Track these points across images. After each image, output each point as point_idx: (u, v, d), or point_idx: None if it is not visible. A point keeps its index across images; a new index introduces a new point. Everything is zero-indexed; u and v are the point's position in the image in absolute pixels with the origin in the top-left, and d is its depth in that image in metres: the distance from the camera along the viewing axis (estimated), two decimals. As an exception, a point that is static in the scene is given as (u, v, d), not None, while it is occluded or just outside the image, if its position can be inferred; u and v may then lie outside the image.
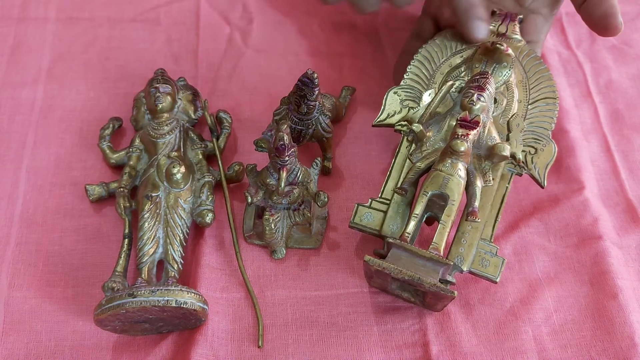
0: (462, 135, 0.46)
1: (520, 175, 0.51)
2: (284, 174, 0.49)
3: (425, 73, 0.54)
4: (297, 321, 0.50)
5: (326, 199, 0.51)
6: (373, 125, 0.53)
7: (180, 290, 0.46)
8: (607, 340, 0.48)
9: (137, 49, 0.65)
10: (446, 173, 0.46)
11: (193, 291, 0.46)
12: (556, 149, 0.51)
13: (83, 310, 0.50)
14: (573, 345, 0.49)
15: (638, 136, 0.61)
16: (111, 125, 0.57)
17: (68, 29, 0.66)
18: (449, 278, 0.47)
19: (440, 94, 0.51)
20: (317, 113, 0.53)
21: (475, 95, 0.48)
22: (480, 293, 0.51)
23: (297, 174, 0.50)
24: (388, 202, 0.50)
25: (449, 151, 0.46)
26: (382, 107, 0.53)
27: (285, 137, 0.48)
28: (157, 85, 0.56)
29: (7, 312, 0.49)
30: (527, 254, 0.53)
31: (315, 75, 0.50)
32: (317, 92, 0.51)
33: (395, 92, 0.54)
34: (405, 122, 0.52)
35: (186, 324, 0.48)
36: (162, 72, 0.58)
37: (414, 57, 0.55)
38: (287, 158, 0.48)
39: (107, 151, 0.56)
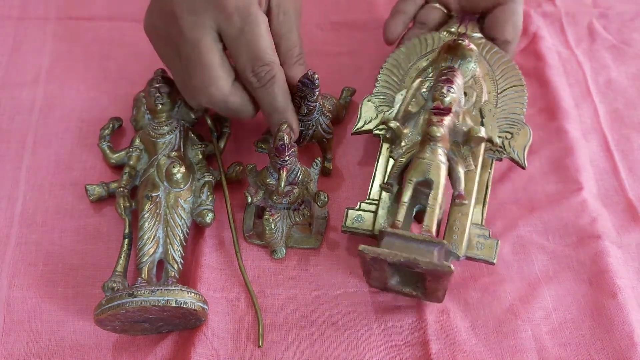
0: (437, 121, 0.48)
1: (500, 160, 0.52)
2: (284, 174, 0.49)
3: (395, 79, 0.57)
4: (297, 321, 0.50)
5: (326, 199, 0.51)
6: (352, 134, 0.55)
7: (180, 290, 0.46)
8: (606, 339, 0.48)
9: (137, 49, 0.65)
10: (428, 160, 0.47)
11: (193, 291, 0.47)
12: (531, 132, 0.53)
13: (83, 310, 0.50)
14: (572, 344, 0.49)
15: (638, 135, 0.61)
16: (111, 125, 0.57)
17: (68, 29, 0.66)
18: None
19: (412, 91, 0.53)
20: (318, 114, 0.53)
21: (445, 87, 0.50)
22: (479, 292, 0.51)
23: (297, 174, 0.50)
24: (376, 202, 0.51)
25: (427, 138, 0.48)
26: (359, 116, 0.56)
27: (285, 137, 0.48)
28: (157, 85, 0.56)
29: (7, 312, 0.49)
30: (526, 253, 0.53)
31: (316, 76, 0.50)
32: (317, 93, 0.51)
33: (369, 100, 0.56)
34: (383, 126, 0.54)
35: (186, 324, 0.48)
36: (162, 72, 0.58)
37: (383, 66, 0.57)
38: (287, 158, 0.48)
39: (107, 151, 0.56)
